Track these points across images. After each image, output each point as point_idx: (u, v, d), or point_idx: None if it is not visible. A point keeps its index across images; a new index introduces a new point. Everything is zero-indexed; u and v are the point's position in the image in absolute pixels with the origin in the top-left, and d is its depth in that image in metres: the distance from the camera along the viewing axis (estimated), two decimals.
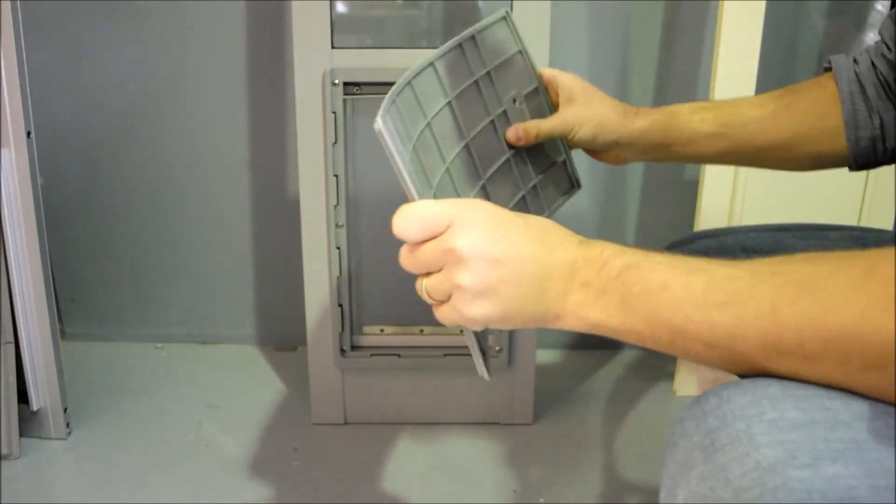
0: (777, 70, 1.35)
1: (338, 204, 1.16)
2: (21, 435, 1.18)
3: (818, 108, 0.73)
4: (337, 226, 1.17)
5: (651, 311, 0.47)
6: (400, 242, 0.53)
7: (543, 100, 0.82)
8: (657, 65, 1.38)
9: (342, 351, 1.23)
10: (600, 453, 1.22)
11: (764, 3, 1.16)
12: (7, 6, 1.04)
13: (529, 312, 0.51)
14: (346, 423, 1.29)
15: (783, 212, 1.26)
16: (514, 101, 0.78)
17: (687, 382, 1.38)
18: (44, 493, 1.11)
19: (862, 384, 0.44)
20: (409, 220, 0.51)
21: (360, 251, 1.22)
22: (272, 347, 1.55)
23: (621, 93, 1.40)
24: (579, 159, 0.84)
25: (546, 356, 1.50)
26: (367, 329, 1.26)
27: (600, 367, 1.48)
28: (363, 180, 1.19)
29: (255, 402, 1.35)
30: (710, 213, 1.27)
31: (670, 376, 1.42)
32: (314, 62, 1.10)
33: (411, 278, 0.54)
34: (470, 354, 0.59)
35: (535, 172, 0.80)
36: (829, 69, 0.74)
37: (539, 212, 0.81)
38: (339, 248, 1.18)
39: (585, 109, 0.77)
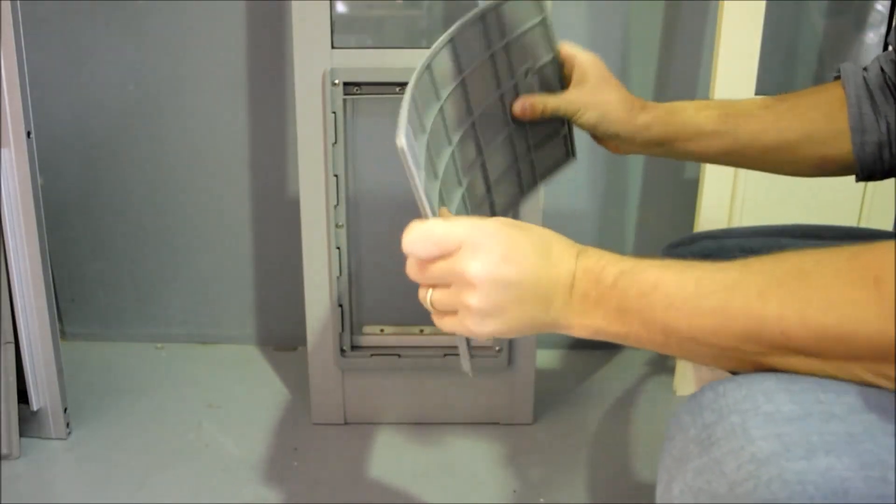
0: (777, 70, 1.35)
1: (338, 204, 1.16)
2: (21, 435, 1.18)
3: (824, 111, 0.73)
4: (337, 226, 1.17)
5: (645, 311, 0.49)
6: (401, 243, 0.53)
7: (556, 74, 0.80)
8: (657, 65, 1.38)
9: (342, 351, 1.23)
10: (600, 453, 1.22)
11: (764, 3, 1.16)
12: (7, 6, 1.04)
13: (536, 325, 0.53)
14: (346, 423, 1.29)
15: (783, 212, 1.26)
16: (526, 74, 0.76)
17: (687, 382, 1.38)
18: (44, 493, 1.11)
19: (850, 373, 0.45)
20: (421, 239, 0.52)
21: (360, 251, 1.22)
22: (272, 347, 1.55)
23: None
24: (582, 141, 0.84)
25: (546, 356, 1.50)
26: (367, 329, 1.26)
27: (600, 367, 1.48)
28: (363, 180, 1.19)
29: (255, 402, 1.35)
30: (710, 213, 1.27)
31: (670, 376, 1.42)
32: (314, 62, 1.10)
33: (411, 279, 0.54)
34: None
35: (533, 144, 0.79)
36: (838, 77, 0.74)
37: (530, 184, 0.80)
38: (339, 248, 1.18)
39: (593, 96, 0.76)
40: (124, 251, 1.50)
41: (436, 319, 0.55)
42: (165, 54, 1.38)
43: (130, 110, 1.41)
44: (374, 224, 1.21)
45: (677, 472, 0.46)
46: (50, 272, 1.16)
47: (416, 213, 0.54)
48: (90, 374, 1.43)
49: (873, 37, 1.31)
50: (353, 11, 1.17)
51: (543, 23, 0.78)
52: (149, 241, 1.49)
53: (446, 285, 0.53)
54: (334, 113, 1.11)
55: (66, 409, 1.22)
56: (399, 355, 1.24)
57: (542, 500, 1.11)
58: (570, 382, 1.43)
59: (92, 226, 1.49)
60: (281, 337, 1.55)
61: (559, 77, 0.80)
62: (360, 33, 1.19)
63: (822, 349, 0.44)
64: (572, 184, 1.45)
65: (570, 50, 0.79)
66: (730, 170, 1.24)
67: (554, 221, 1.43)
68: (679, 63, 1.38)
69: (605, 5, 1.34)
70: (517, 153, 0.77)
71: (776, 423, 0.43)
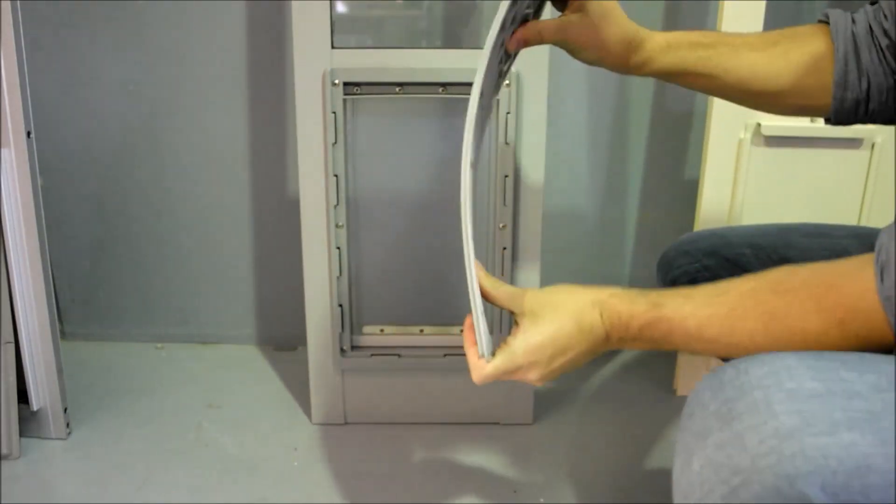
0: None
1: (338, 204, 1.16)
2: (21, 435, 1.18)
3: (812, 63, 0.73)
4: (337, 226, 1.17)
5: (667, 344, 0.60)
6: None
7: None
8: None
9: (342, 351, 1.23)
10: (600, 453, 1.22)
11: (764, 3, 1.16)
12: (7, 6, 1.04)
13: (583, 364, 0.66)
14: (346, 423, 1.29)
15: (783, 212, 1.26)
16: (529, 7, 0.73)
17: (687, 383, 1.38)
18: (44, 493, 1.11)
19: None
20: (488, 379, 0.64)
21: (360, 251, 1.22)
22: (272, 347, 1.55)
23: (621, 92, 1.41)
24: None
25: None
26: (367, 329, 1.26)
27: (600, 367, 1.48)
28: (363, 180, 1.19)
29: (255, 402, 1.35)
30: (710, 213, 1.27)
31: (670, 376, 1.42)
32: (314, 62, 1.10)
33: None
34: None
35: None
36: (824, 22, 0.74)
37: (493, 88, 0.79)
38: (339, 248, 1.18)
39: (593, 33, 0.72)
40: (124, 251, 1.50)
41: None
42: (165, 54, 1.38)
43: (131, 110, 1.41)
44: (374, 224, 1.21)
45: (697, 447, 0.47)
46: (50, 272, 1.16)
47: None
48: (90, 374, 1.43)
49: None
50: (353, 11, 1.17)
51: None
52: (149, 241, 1.50)
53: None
54: (334, 113, 1.11)
55: (66, 409, 1.22)
56: (399, 355, 1.24)
57: (542, 500, 1.11)
58: (570, 382, 1.43)
59: (92, 226, 1.49)
60: (281, 337, 1.55)
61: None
62: (360, 33, 1.19)
63: None
64: (572, 184, 1.45)
65: None
66: (730, 170, 1.24)
67: (554, 221, 1.44)
68: None
69: None
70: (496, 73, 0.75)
71: (799, 400, 0.44)
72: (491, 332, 0.68)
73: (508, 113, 1.11)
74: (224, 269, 1.52)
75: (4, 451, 1.16)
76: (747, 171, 1.24)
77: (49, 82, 1.39)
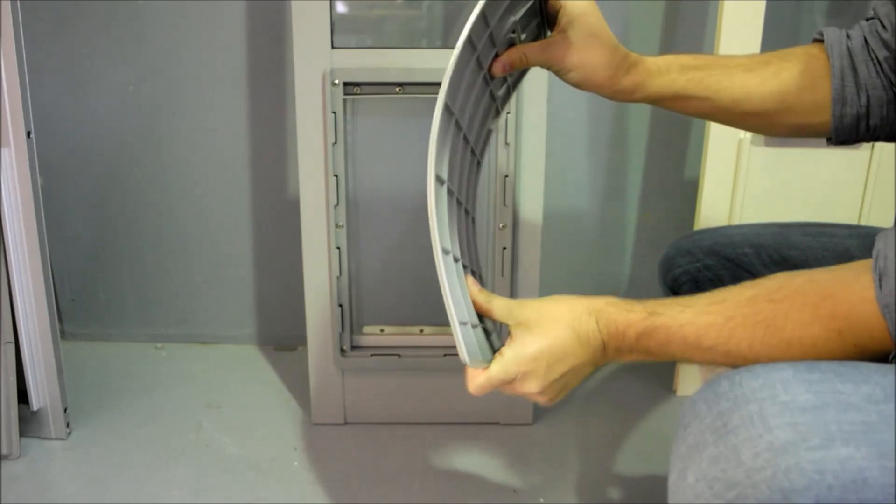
0: None
1: (338, 204, 1.16)
2: (21, 435, 1.18)
3: (806, 80, 0.72)
4: (337, 226, 1.17)
5: (664, 354, 0.60)
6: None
7: (540, 20, 0.73)
8: None
9: (342, 351, 1.23)
10: (600, 453, 1.22)
11: (764, 3, 1.16)
12: (7, 6, 1.04)
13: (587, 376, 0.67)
14: (346, 423, 1.29)
15: (783, 212, 1.26)
16: (514, 31, 0.70)
17: (686, 382, 1.39)
18: (44, 493, 1.11)
19: None
20: (482, 388, 0.63)
21: (360, 251, 1.22)
22: (272, 347, 1.55)
23: None
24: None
25: None
26: (367, 329, 1.26)
27: (600, 368, 1.48)
28: (363, 180, 1.19)
29: (255, 402, 1.35)
30: (710, 213, 1.27)
31: (670, 376, 1.42)
32: (314, 62, 1.10)
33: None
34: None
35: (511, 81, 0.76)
36: (818, 40, 0.73)
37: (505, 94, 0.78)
38: (339, 248, 1.18)
39: (579, 54, 0.71)
40: (124, 251, 1.50)
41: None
42: (165, 54, 1.38)
43: (130, 110, 1.41)
44: (374, 224, 1.21)
45: (692, 460, 0.46)
46: (50, 272, 1.16)
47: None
48: (90, 374, 1.43)
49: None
50: (353, 11, 1.17)
51: None
52: (149, 241, 1.50)
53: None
54: (334, 113, 1.11)
55: (66, 409, 1.22)
56: (399, 355, 1.24)
57: (541, 500, 1.11)
58: None
59: (92, 226, 1.49)
60: (281, 337, 1.55)
61: (544, 24, 0.74)
62: (360, 33, 1.19)
63: None
64: (572, 184, 1.45)
65: None
66: (730, 170, 1.24)
67: (554, 221, 1.44)
68: None
69: (605, 5, 1.33)
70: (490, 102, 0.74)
71: (793, 413, 0.43)
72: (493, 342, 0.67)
73: (508, 113, 1.11)
74: (224, 269, 1.52)
75: (4, 451, 1.16)
76: (747, 171, 1.24)
77: (49, 82, 1.39)
